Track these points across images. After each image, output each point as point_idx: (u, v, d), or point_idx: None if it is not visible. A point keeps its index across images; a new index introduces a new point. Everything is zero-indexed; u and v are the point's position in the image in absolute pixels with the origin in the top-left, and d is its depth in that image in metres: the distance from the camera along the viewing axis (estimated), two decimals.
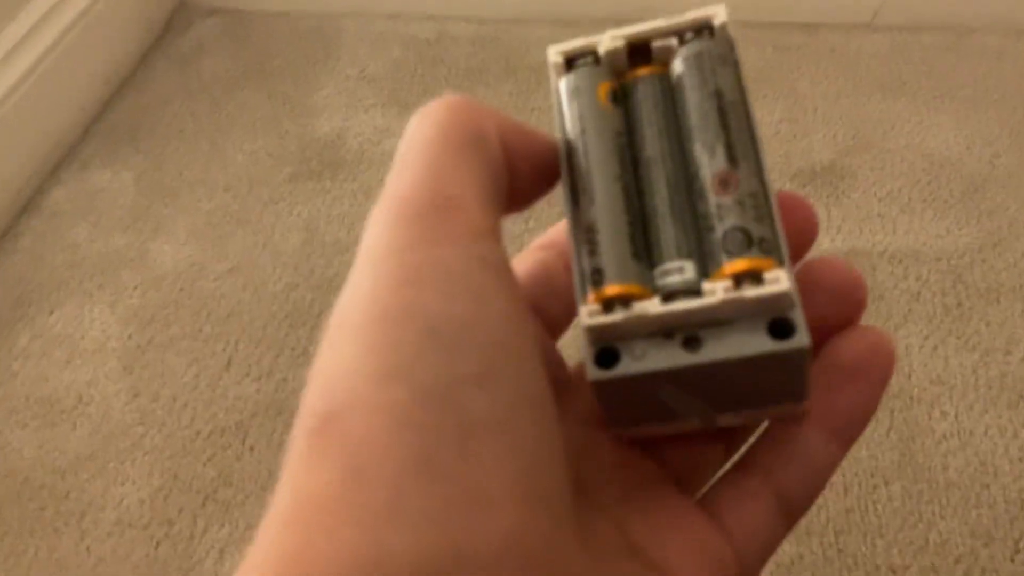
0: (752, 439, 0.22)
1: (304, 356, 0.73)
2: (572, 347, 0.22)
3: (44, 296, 0.81)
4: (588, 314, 0.18)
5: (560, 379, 0.22)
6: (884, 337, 0.20)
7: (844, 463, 0.64)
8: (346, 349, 0.16)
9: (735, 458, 0.22)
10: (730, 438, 0.22)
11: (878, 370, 0.20)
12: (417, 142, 0.19)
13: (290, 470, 0.16)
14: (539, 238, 0.24)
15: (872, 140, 0.87)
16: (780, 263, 0.17)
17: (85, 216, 0.89)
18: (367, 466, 0.15)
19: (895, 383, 0.67)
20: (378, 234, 0.18)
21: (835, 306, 0.20)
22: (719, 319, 0.17)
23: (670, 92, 0.20)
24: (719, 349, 0.17)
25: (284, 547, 0.15)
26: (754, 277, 0.17)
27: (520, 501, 0.15)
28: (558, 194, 0.21)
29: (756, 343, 0.17)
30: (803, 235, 0.21)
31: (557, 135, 0.21)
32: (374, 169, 0.91)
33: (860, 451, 0.63)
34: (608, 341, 0.18)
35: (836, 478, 0.62)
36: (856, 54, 0.97)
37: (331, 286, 0.79)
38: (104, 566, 0.61)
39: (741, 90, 0.19)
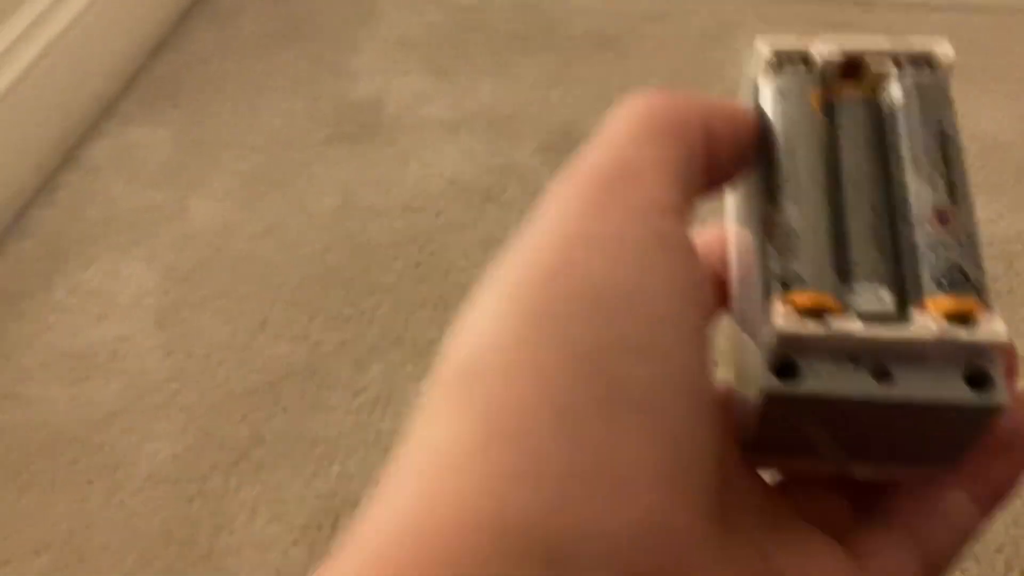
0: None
1: (338, 319, 0.73)
2: None
3: (80, 250, 0.81)
4: (784, 317, 0.16)
5: None
6: None
7: None
8: (496, 302, 0.16)
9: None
10: (856, 493, 0.21)
11: None
12: (610, 129, 0.18)
13: (422, 420, 0.15)
14: None
15: None
16: (993, 312, 0.16)
17: (122, 172, 0.89)
18: (504, 424, 0.14)
19: None
20: (551, 201, 0.17)
21: None
22: (916, 355, 0.16)
23: (878, 116, 0.20)
24: (913, 387, 0.16)
25: (408, 501, 0.14)
26: (965, 319, 0.16)
27: (663, 485, 0.14)
28: None
29: (954, 389, 0.16)
30: None
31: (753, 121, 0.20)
32: (412, 134, 0.90)
33: None
34: (789, 353, 0.17)
35: None
36: (911, 33, 0.94)
37: (366, 249, 0.78)
38: (136, 519, 0.61)
39: (958, 132, 0.19)
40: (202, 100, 0.96)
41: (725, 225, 0.22)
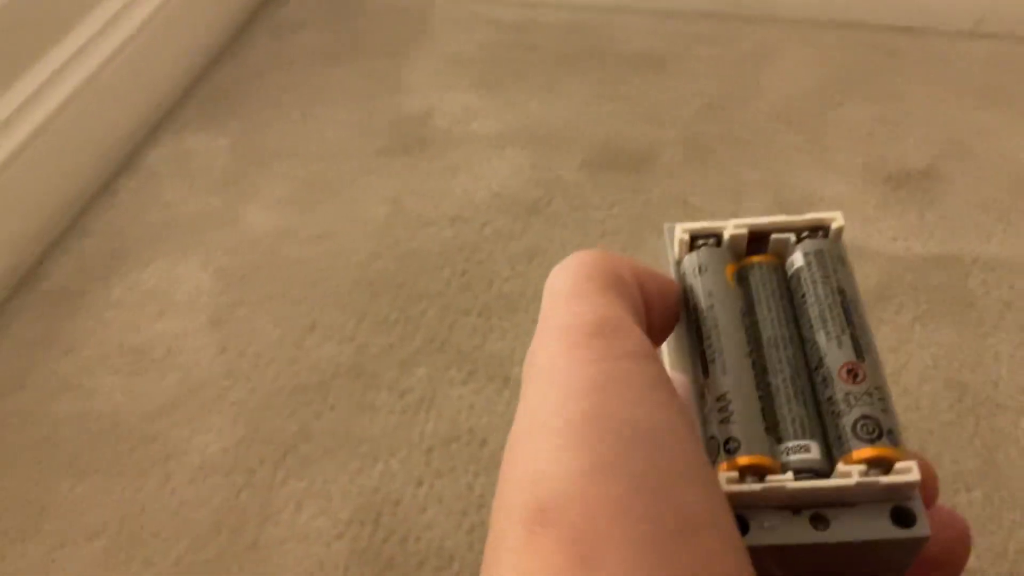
0: None
1: (385, 324, 0.75)
2: None
3: (138, 251, 0.84)
4: (728, 481, 0.18)
5: None
6: (966, 528, 0.22)
7: None
8: (548, 449, 0.17)
9: None
10: None
11: (962, 555, 0.22)
12: (567, 284, 0.20)
13: (510, 557, 0.16)
14: None
15: (969, 147, 0.85)
16: (907, 455, 0.19)
17: (181, 177, 0.92)
18: (594, 554, 0.15)
19: (982, 391, 0.66)
20: (555, 354, 0.19)
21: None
22: (845, 501, 0.19)
23: (785, 281, 0.22)
24: (846, 530, 0.18)
25: None
26: (883, 465, 0.18)
27: None
28: None
29: (881, 528, 0.18)
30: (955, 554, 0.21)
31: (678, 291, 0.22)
32: (461, 148, 0.92)
33: (943, 456, 0.62)
34: (736, 510, 0.19)
35: None
36: (957, 60, 0.95)
37: (414, 258, 0.80)
38: (187, 508, 0.63)
39: (857, 290, 0.21)
40: (259, 110, 0.99)
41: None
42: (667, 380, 0.19)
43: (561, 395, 0.18)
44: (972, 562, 0.57)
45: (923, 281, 0.73)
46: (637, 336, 0.19)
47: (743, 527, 0.18)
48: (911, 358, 0.68)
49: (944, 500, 0.60)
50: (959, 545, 0.21)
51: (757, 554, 0.18)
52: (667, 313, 0.22)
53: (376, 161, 0.91)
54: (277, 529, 0.62)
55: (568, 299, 0.20)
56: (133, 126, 0.96)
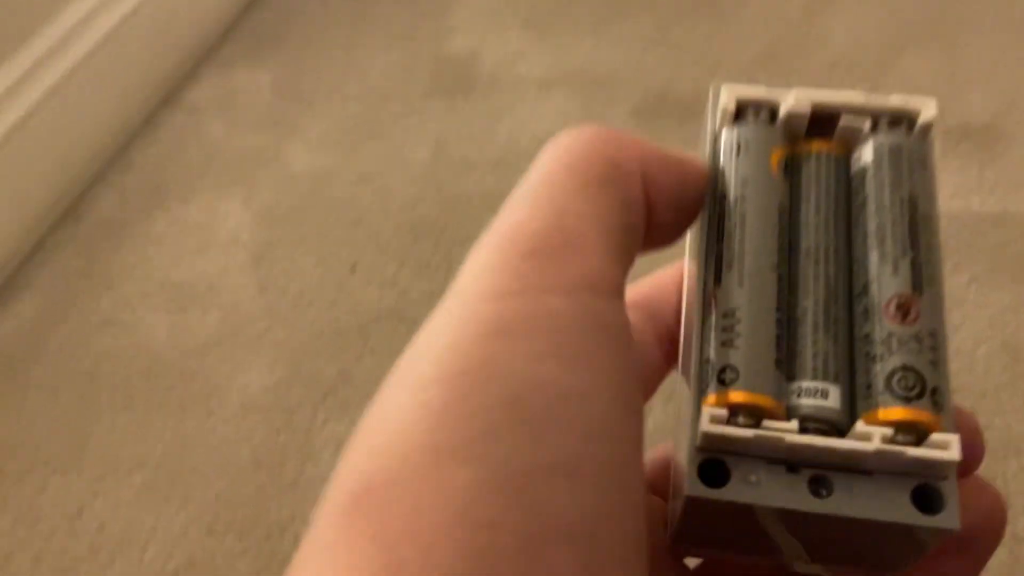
0: None
1: (427, 269, 0.74)
2: None
3: (180, 187, 0.83)
4: (712, 419, 0.15)
5: None
6: (1001, 500, 0.17)
7: None
8: (406, 408, 0.13)
9: None
10: None
11: (991, 538, 0.17)
12: (542, 174, 0.16)
13: (311, 552, 0.13)
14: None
15: None
16: (949, 425, 0.15)
17: (222, 115, 0.91)
18: (408, 561, 0.12)
19: None
20: (478, 270, 0.15)
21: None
22: (857, 468, 0.15)
23: (846, 180, 0.17)
24: (853, 504, 0.15)
25: None
26: (916, 431, 0.14)
27: None
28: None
29: (898, 510, 0.14)
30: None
31: (708, 171, 0.18)
32: (507, 91, 0.90)
33: (993, 420, 0.61)
34: (717, 452, 0.15)
35: None
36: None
37: (457, 202, 0.79)
38: (227, 446, 0.63)
39: (935, 205, 0.16)
40: (302, 49, 0.98)
41: (686, 265, 0.20)
42: (613, 326, 0.15)
43: (450, 337, 0.14)
44: (1019, 528, 0.56)
45: (981, 240, 0.71)
46: (594, 259, 0.15)
47: (723, 477, 0.15)
48: (966, 319, 0.66)
49: (994, 466, 0.59)
50: (989, 522, 0.17)
51: (730, 509, 0.15)
52: (683, 209, 0.17)
53: (420, 103, 0.90)
54: (316, 469, 0.62)
55: (531, 192, 0.16)
56: (176, 61, 0.95)
